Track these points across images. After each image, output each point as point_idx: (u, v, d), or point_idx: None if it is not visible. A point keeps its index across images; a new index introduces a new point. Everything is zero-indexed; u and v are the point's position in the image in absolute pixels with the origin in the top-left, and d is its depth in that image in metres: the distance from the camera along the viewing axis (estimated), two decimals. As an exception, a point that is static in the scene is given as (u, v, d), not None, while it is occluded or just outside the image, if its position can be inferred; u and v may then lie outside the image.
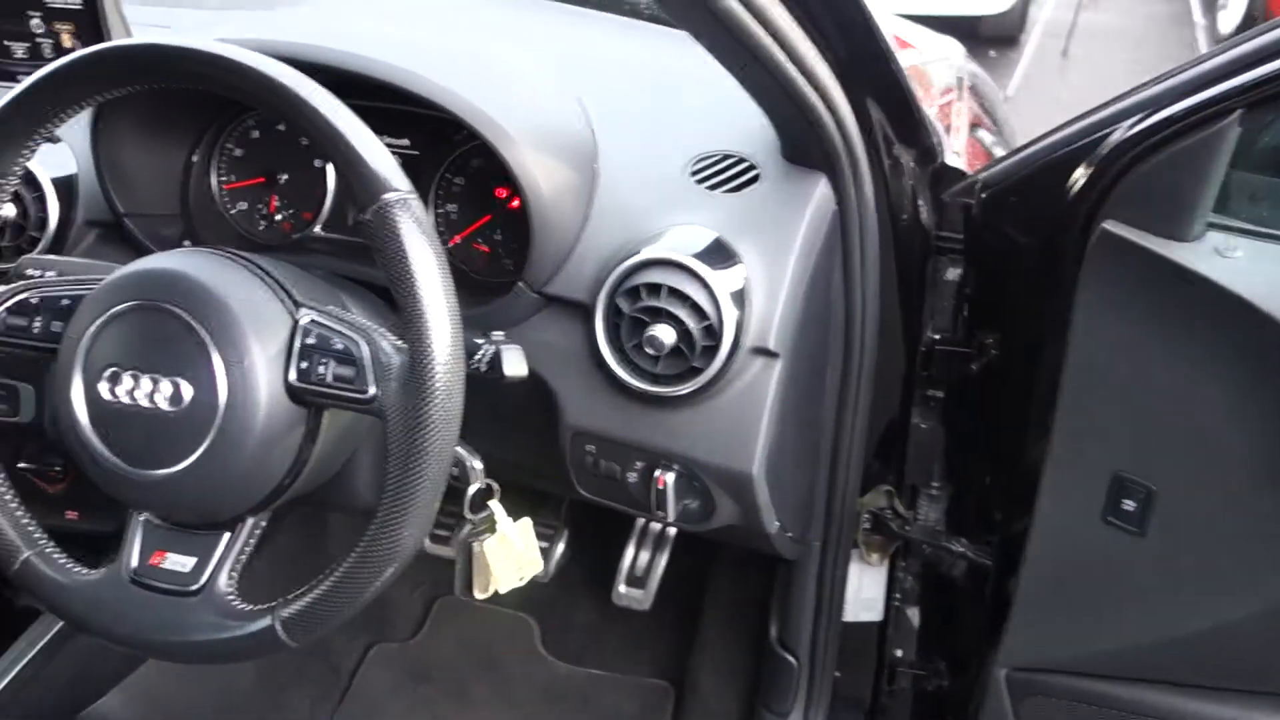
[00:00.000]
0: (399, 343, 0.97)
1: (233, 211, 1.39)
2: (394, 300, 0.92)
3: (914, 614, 1.70)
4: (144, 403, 0.99)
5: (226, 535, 1.04)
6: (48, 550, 1.07)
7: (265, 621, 0.99)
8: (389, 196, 0.92)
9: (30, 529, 1.08)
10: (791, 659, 1.63)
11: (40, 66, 1.00)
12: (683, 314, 1.10)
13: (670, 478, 1.18)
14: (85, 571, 1.06)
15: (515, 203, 1.30)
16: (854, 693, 1.74)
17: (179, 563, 1.04)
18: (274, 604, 1.00)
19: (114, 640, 1.05)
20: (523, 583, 1.32)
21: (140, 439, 1.00)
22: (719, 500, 1.19)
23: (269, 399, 0.98)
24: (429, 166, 1.32)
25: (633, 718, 1.96)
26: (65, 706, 1.50)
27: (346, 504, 1.24)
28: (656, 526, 1.97)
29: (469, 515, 1.20)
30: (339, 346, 0.98)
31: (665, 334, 1.10)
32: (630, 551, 1.99)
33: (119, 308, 1.00)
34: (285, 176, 1.37)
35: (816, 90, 1.08)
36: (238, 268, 1.03)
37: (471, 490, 1.18)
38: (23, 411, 1.36)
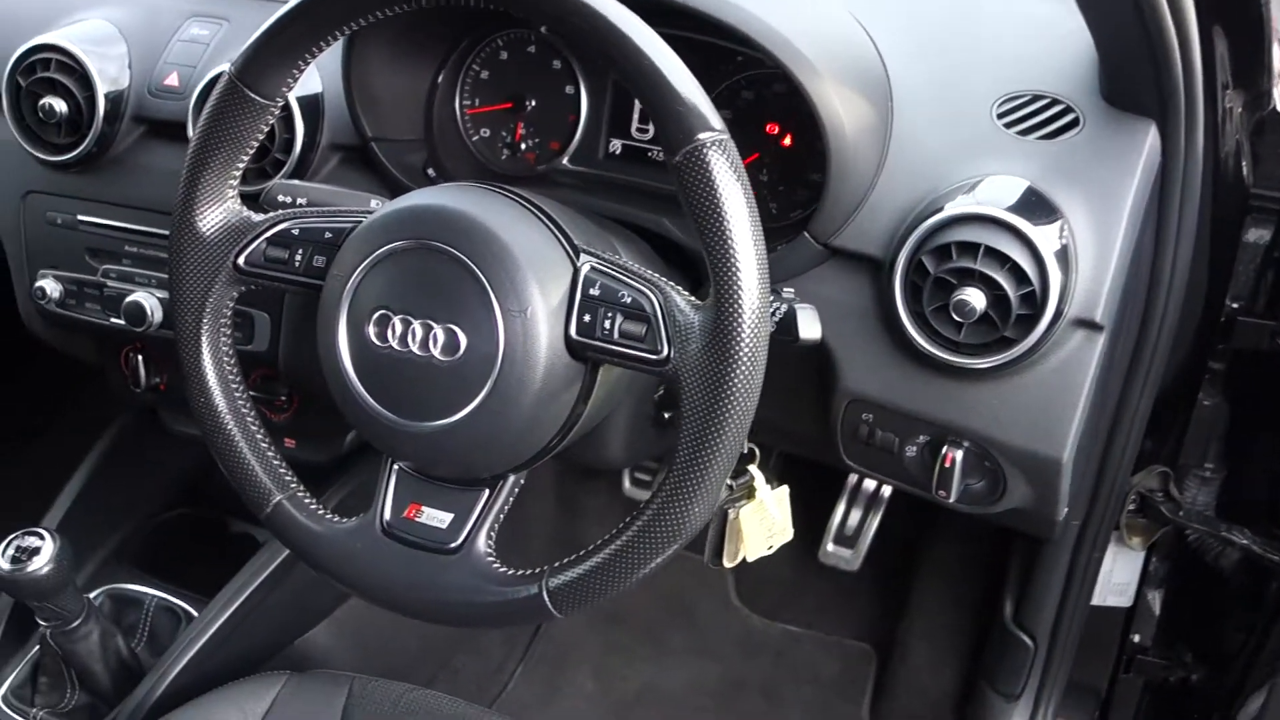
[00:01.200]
0: (692, 298, 0.88)
1: (474, 139, 1.31)
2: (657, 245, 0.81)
3: (1156, 600, 1.57)
4: (415, 350, 0.92)
5: (486, 492, 0.97)
6: (300, 495, 1.03)
7: (532, 589, 0.92)
8: (705, 137, 0.82)
9: (283, 472, 1.03)
10: (1028, 640, 1.52)
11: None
12: (1000, 278, 0.97)
13: (959, 455, 1.06)
14: (338, 519, 1.01)
15: (787, 140, 1.18)
16: (1087, 679, 1.61)
17: (435, 518, 0.98)
18: (539, 571, 0.93)
19: (365, 594, 1.00)
20: (771, 551, 1.23)
21: (409, 388, 0.93)
22: (1012, 484, 1.07)
23: (549, 353, 0.90)
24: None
25: (833, 678, 1.88)
26: (280, 636, 1.49)
27: (596, 461, 1.16)
28: (870, 485, 1.87)
29: (728, 480, 1.11)
30: (626, 300, 0.89)
31: (976, 299, 0.98)
32: (840, 509, 1.90)
33: (390, 246, 0.92)
34: (534, 102, 1.28)
35: (1174, 15, 0.93)
36: (518, 208, 0.95)
37: (735, 456, 1.09)
38: (256, 339, 1.32)
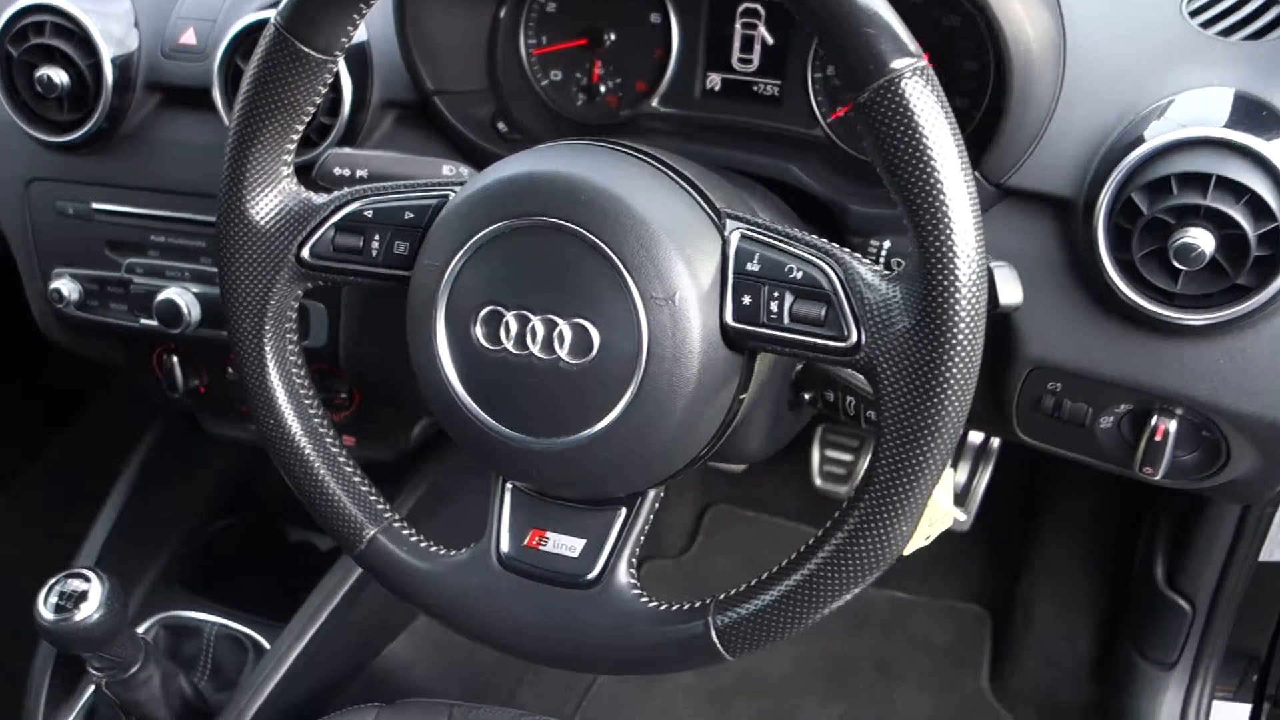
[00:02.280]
0: (877, 268, 0.70)
1: (544, 83, 1.13)
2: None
3: None
4: (537, 352, 0.74)
5: (623, 512, 0.81)
6: (396, 525, 0.87)
7: (695, 627, 0.77)
8: (902, 65, 0.64)
9: (374, 499, 0.87)
10: (1185, 604, 1.37)
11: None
12: (1236, 214, 0.79)
13: (1172, 426, 0.89)
14: (445, 552, 0.85)
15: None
16: (1244, 643, 1.46)
17: (564, 545, 0.82)
18: (701, 605, 0.77)
19: (488, 640, 0.84)
20: (928, 542, 1.07)
21: (530, 399, 0.76)
22: (1237, 456, 0.90)
23: (703, 346, 0.73)
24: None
25: (947, 646, 1.73)
26: (358, 657, 1.34)
27: (733, 458, 1.00)
28: (977, 438, 1.71)
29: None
30: (796, 274, 0.71)
31: (1205, 241, 0.80)
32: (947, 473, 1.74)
33: (496, 227, 0.75)
34: (613, 36, 1.09)
35: None
36: (647, 168, 0.77)
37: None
38: (313, 334, 1.15)
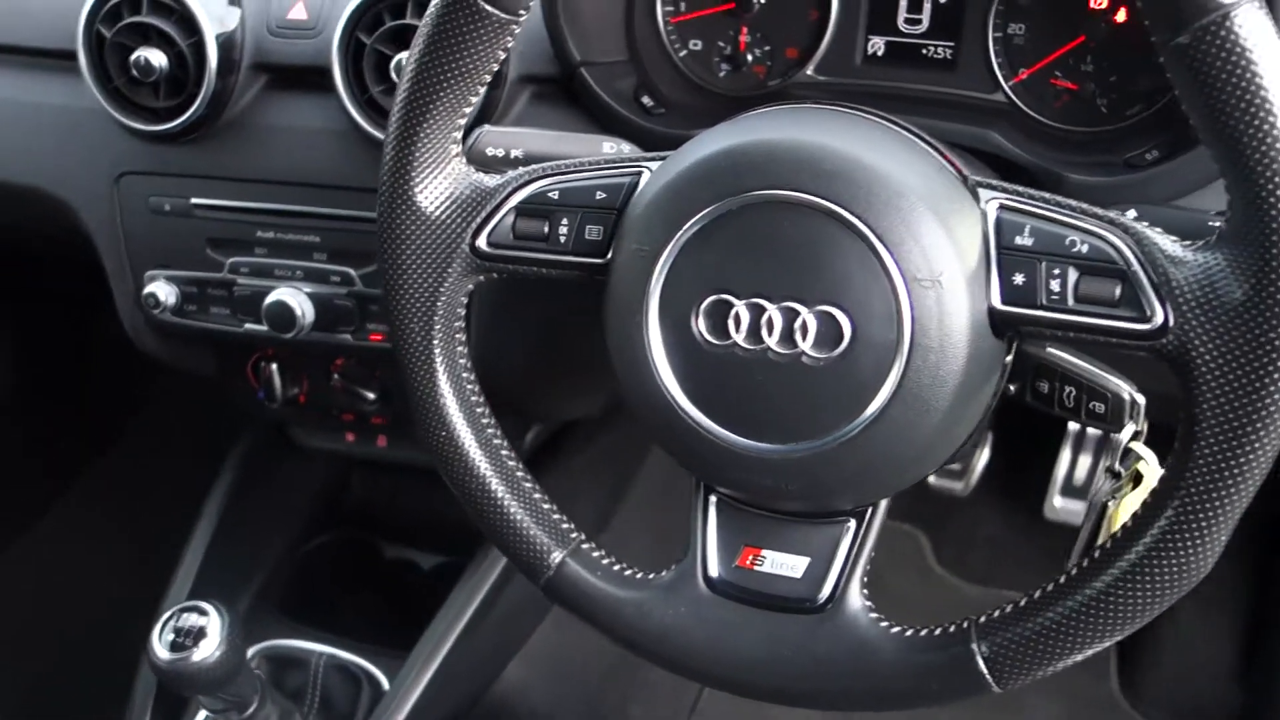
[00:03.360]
0: (1173, 237, 0.61)
1: (682, 53, 1.03)
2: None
3: None
4: (774, 345, 0.65)
5: (851, 525, 0.72)
6: (585, 547, 0.77)
7: (956, 654, 0.67)
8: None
9: (558, 519, 0.77)
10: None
11: None
12: None
13: None
14: (643, 575, 0.75)
15: (1121, 14, 0.90)
16: None
17: (785, 565, 0.73)
18: (959, 628, 0.68)
19: (712, 679, 0.74)
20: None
21: (764, 399, 0.66)
22: None
23: (972, 333, 0.63)
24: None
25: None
26: (478, 685, 1.25)
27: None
28: (1096, 430, 1.61)
29: (1117, 467, 0.85)
30: (1080, 248, 0.62)
31: None
32: (1065, 458, 1.64)
33: (721, 204, 0.65)
34: (760, 1, 0.99)
35: None
36: (893, 134, 0.68)
37: (1126, 435, 0.82)
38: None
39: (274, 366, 1.16)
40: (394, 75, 0.94)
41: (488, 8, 0.67)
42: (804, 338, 0.64)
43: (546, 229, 0.72)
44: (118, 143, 1.06)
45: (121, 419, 1.89)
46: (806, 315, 0.64)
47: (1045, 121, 0.94)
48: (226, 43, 0.99)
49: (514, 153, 0.84)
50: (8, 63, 1.10)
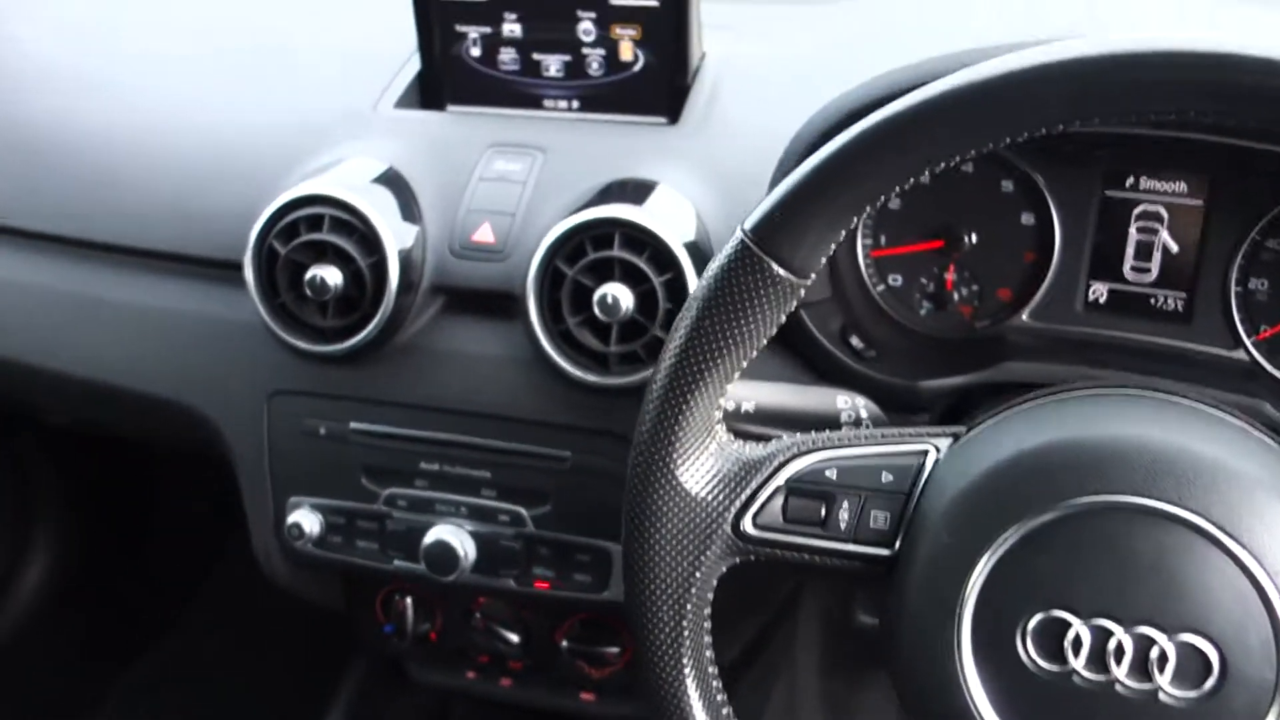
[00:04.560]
0: None
1: (879, 288, 0.97)
2: None
3: None
4: (1122, 677, 0.56)
5: None
6: None
7: None
8: None
9: None
10: None
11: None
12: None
13: None
14: None
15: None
16: None
17: None
18: None
19: None
20: None
21: None
22: None
23: None
24: (1227, 224, 0.88)
25: None
26: None
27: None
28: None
29: None
30: None
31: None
32: None
33: (1062, 508, 0.57)
34: (973, 237, 0.94)
35: None
36: (1237, 426, 0.60)
37: None
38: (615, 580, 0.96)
39: (408, 600, 1.07)
40: (595, 310, 0.87)
41: (780, 271, 0.61)
42: (1161, 670, 0.55)
43: (823, 512, 0.64)
44: (273, 359, 0.99)
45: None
46: (1165, 644, 0.55)
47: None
48: (405, 262, 0.93)
49: (745, 406, 0.77)
50: (159, 269, 1.04)
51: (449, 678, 1.17)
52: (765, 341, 0.64)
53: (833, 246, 0.62)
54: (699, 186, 0.94)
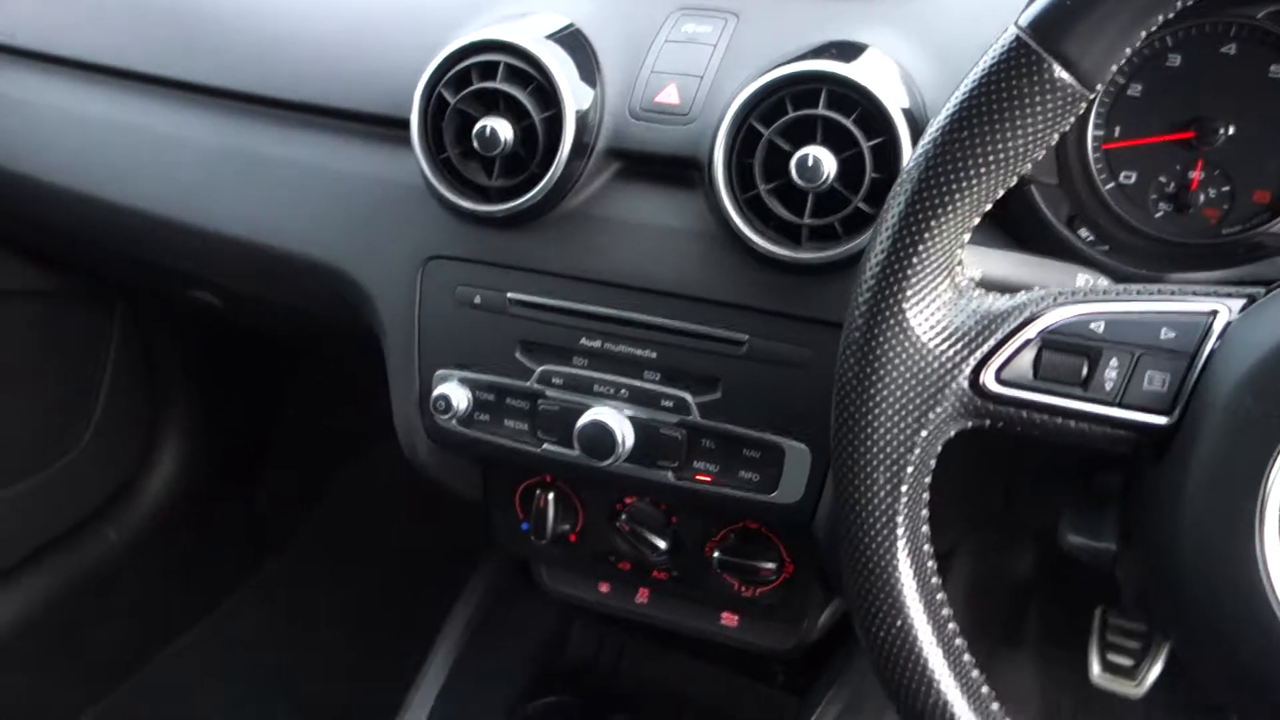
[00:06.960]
0: None
1: (1109, 186, 0.85)
2: None
3: None
4: None
5: None
6: None
7: None
8: None
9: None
10: None
11: None
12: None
13: None
14: None
15: None
16: None
17: None
18: None
19: None
20: None
21: None
22: None
23: None
24: None
25: None
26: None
27: None
28: None
29: None
30: None
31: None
32: None
33: None
34: (1230, 129, 0.82)
35: None
36: None
37: None
38: (784, 484, 0.87)
39: (550, 496, 0.99)
40: (793, 174, 0.78)
41: (1063, 76, 0.51)
42: None
43: (1085, 370, 0.54)
44: (431, 223, 0.92)
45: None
46: None
47: None
48: (581, 121, 0.86)
49: (969, 275, 0.67)
50: (320, 125, 0.98)
51: (581, 589, 1.10)
52: (1029, 166, 0.55)
53: (1127, 50, 0.52)
54: (916, 54, 0.84)
